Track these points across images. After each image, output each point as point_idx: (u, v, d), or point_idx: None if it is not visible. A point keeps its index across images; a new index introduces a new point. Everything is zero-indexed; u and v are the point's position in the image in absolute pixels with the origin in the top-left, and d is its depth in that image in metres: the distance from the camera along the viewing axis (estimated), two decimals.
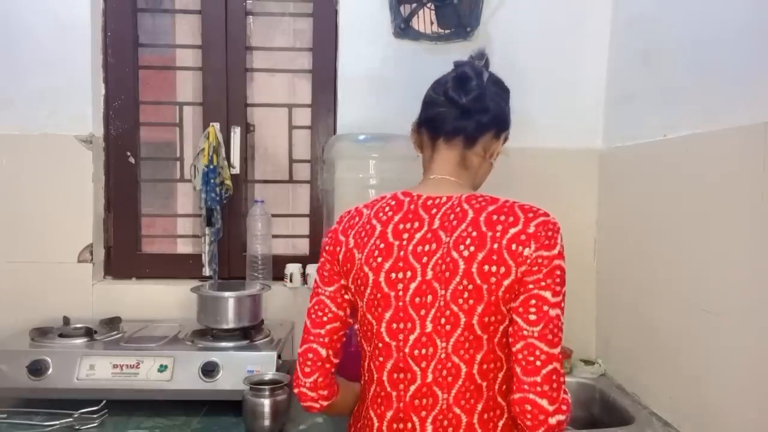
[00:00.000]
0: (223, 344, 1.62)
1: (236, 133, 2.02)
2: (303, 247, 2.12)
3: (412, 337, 0.94)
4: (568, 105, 1.93)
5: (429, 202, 0.98)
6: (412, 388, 0.94)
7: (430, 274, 0.93)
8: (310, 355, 1.02)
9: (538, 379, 0.88)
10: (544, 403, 0.88)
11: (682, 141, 1.47)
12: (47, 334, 1.65)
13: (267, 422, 1.38)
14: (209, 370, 1.51)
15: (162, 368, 1.52)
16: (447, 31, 1.92)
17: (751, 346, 1.21)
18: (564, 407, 0.90)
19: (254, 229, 1.96)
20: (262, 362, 1.53)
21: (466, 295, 0.91)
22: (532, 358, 0.89)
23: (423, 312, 0.93)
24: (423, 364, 0.93)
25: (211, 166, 1.91)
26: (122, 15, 1.99)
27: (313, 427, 1.47)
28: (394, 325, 0.95)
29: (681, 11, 1.53)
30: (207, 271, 1.96)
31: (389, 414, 0.96)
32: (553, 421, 0.88)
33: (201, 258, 1.97)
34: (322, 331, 1.03)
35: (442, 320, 0.92)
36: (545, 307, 0.89)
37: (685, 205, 1.45)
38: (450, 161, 1.03)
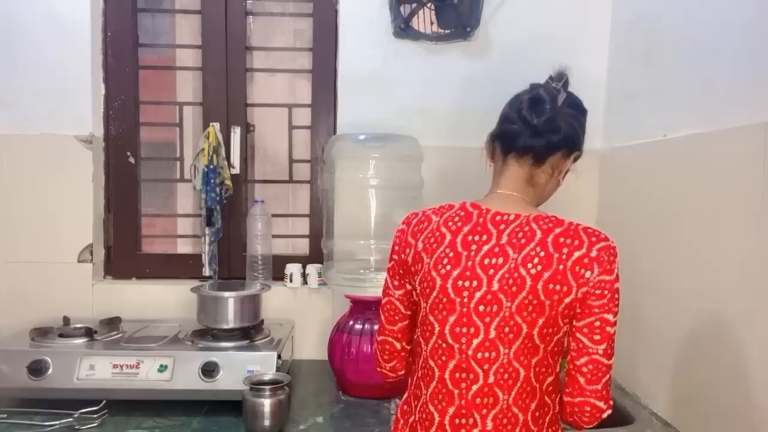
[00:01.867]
0: (223, 344, 1.62)
1: (236, 133, 2.02)
2: (303, 247, 2.12)
3: (475, 342, 1.00)
4: None
5: (498, 218, 1.03)
6: (475, 387, 1.00)
7: (496, 286, 0.99)
8: (387, 347, 1.16)
9: (599, 387, 1.00)
10: (601, 404, 1.00)
11: (682, 141, 1.48)
12: (47, 334, 1.65)
13: (267, 422, 1.38)
14: (209, 370, 1.51)
15: (162, 368, 1.52)
16: (447, 31, 1.92)
17: (751, 346, 1.21)
18: (611, 402, 1.02)
19: (254, 229, 1.96)
20: (262, 362, 1.53)
21: (530, 308, 0.98)
22: (596, 371, 0.99)
23: (488, 320, 0.99)
24: (485, 367, 1.00)
25: (211, 166, 1.91)
26: (122, 15, 2.00)
27: (313, 427, 1.47)
28: (457, 329, 1.01)
29: (681, 11, 1.53)
30: (207, 271, 1.96)
31: (451, 410, 1.01)
32: (604, 415, 1.02)
33: (201, 258, 1.97)
34: (395, 328, 1.15)
35: (506, 329, 0.99)
36: (607, 328, 0.99)
37: (685, 205, 1.45)
38: (518, 177, 1.08)
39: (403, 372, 1.17)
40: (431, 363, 1.04)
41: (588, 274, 0.97)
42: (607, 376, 1.00)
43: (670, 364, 1.51)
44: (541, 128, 1.04)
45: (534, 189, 1.08)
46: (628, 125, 1.81)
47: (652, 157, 1.63)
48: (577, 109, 1.09)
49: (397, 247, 1.11)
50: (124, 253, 2.05)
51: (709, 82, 1.39)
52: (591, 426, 1.03)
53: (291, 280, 1.96)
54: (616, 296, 0.99)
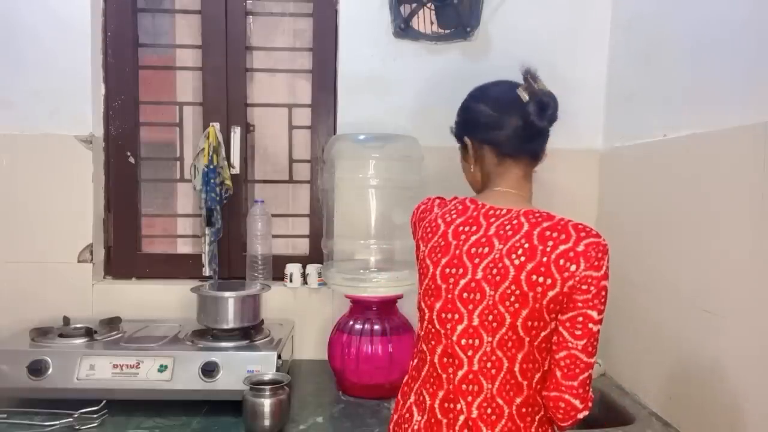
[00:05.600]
0: (223, 344, 1.62)
1: (236, 133, 2.02)
2: (303, 247, 2.12)
3: (459, 328, 1.03)
4: (568, 105, 1.91)
5: (491, 212, 1.07)
6: (460, 373, 1.03)
7: (480, 274, 1.02)
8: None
9: (575, 383, 1.00)
10: (576, 402, 1.00)
11: (682, 141, 1.48)
12: (47, 334, 1.65)
13: (267, 422, 1.38)
14: (209, 370, 1.51)
15: (162, 368, 1.52)
16: (447, 31, 1.92)
17: (751, 346, 1.21)
18: (589, 403, 1.03)
19: (254, 229, 1.96)
20: (262, 362, 1.53)
21: (513, 298, 1.00)
22: (573, 366, 1.00)
23: (471, 307, 1.03)
24: (470, 353, 1.03)
25: (211, 166, 1.91)
26: (122, 15, 2.00)
27: (313, 427, 1.47)
28: (443, 315, 1.05)
29: (681, 11, 1.53)
30: (207, 271, 1.96)
31: (440, 394, 1.05)
32: (580, 416, 1.02)
33: (201, 258, 1.97)
34: None
35: (490, 317, 1.01)
36: (590, 324, 0.99)
37: (685, 205, 1.45)
38: (516, 176, 1.11)
39: None
40: (424, 347, 1.09)
41: (573, 267, 0.97)
42: (586, 374, 1.00)
43: (670, 364, 1.51)
44: (543, 131, 1.09)
45: (528, 183, 1.12)
46: (628, 125, 1.81)
47: (652, 157, 1.63)
48: None
49: (412, 229, 1.19)
50: (124, 253, 2.05)
51: (709, 82, 1.39)
52: (567, 425, 1.03)
53: (291, 280, 1.96)
54: (603, 293, 0.99)
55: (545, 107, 1.06)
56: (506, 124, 1.08)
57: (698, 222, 1.40)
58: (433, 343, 1.06)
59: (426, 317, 1.08)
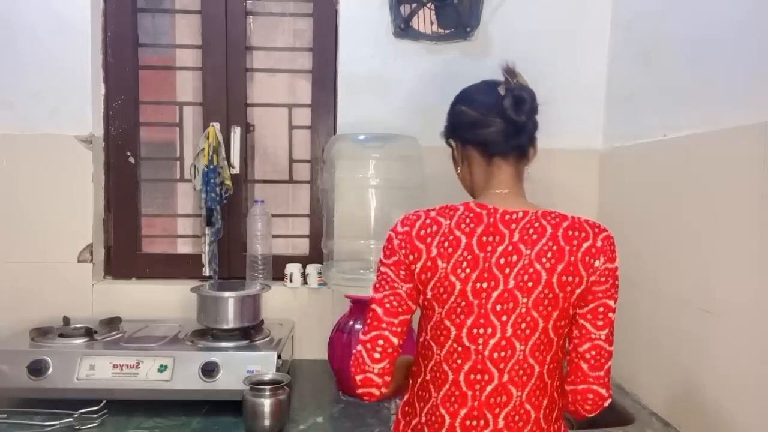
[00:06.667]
0: (223, 344, 1.62)
1: (236, 133, 2.02)
2: (303, 247, 2.12)
3: (492, 342, 1.01)
4: (568, 105, 1.93)
5: (507, 217, 1.04)
6: (489, 387, 1.01)
7: (512, 283, 1.01)
8: (381, 342, 1.05)
9: (602, 373, 1.03)
10: (603, 391, 1.04)
11: (682, 141, 1.48)
12: (47, 334, 1.65)
13: (267, 422, 1.38)
14: (209, 370, 1.51)
15: (162, 368, 1.52)
16: (447, 31, 1.92)
17: (751, 346, 1.21)
18: (611, 390, 1.06)
19: (254, 229, 1.97)
20: (262, 362, 1.54)
21: (546, 302, 1.01)
22: (598, 357, 1.03)
23: (504, 318, 1.01)
24: (501, 366, 1.01)
25: (211, 166, 1.91)
26: (122, 15, 2.00)
27: (313, 426, 1.47)
28: (475, 331, 1.01)
29: (681, 11, 1.53)
30: (207, 271, 1.96)
31: (463, 412, 1.02)
32: (606, 404, 1.04)
33: (201, 258, 1.97)
34: (396, 321, 1.06)
35: (522, 325, 1.01)
36: (609, 313, 1.03)
37: (685, 205, 1.46)
38: (509, 175, 1.09)
39: (388, 379, 1.05)
40: (445, 367, 1.03)
41: (596, 263, 1.01)
42: (609, 363, 1.03)
43: (671, 364, 1.51)
44: (525, 125, 1.06)
45: (522, 182, 1.11)
46: (628, 125, 1.81)
47: (652, 157, 1.63)
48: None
49: (403, 251, 1.04)
50: (124, 253, 2.05)
51: (709, 82, 1.39)
52: (593, 415, 1.04)
53: (291, 280, 1.96)
54: (617, 282, 1.03)
55: (521, 101, 1.05)
56: (487, 122, 1.07)
57: (698, 222, 1.40)
58: (459, 362, 1.02)
59: (451, 336, 1.02)
